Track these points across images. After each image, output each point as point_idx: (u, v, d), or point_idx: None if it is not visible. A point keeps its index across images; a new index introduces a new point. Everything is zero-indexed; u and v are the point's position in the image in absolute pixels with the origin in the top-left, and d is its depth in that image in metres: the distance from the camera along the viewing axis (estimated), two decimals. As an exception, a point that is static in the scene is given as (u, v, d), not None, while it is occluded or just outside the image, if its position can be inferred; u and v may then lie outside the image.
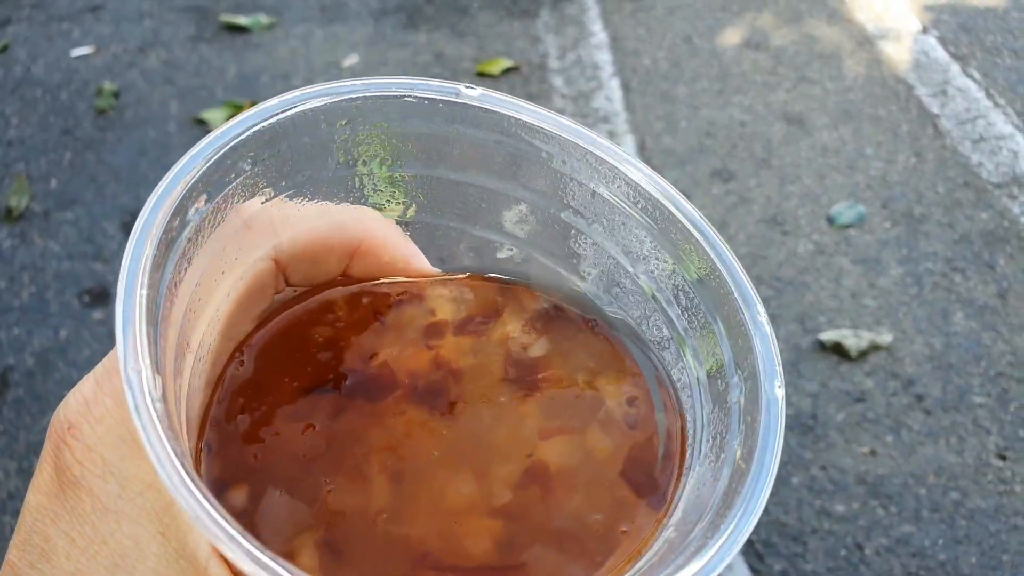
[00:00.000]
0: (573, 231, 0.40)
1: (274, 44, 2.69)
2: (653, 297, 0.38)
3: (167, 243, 0.29)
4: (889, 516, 1.61)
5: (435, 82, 0.37)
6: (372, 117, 0.36)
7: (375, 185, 0.39)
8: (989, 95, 2.49)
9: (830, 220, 2.15)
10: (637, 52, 2.72)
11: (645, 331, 0.39)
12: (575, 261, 0.40)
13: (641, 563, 0.31)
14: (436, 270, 0.40)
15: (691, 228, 0.35)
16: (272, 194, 0.35)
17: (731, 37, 2.76)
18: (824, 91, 2.52)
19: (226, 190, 0.33)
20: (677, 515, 0.32)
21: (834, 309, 1.94)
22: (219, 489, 0.32)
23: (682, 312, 0.37)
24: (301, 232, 0.36)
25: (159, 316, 0.28)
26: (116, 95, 2.46)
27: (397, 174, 0.39)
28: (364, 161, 0.38)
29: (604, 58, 2.69)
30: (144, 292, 0.27)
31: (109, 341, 1.88)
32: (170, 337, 0.30)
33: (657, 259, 0.37)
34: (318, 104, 0.35)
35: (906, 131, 2.39)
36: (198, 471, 0.32)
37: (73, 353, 1.86)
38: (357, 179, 0.38)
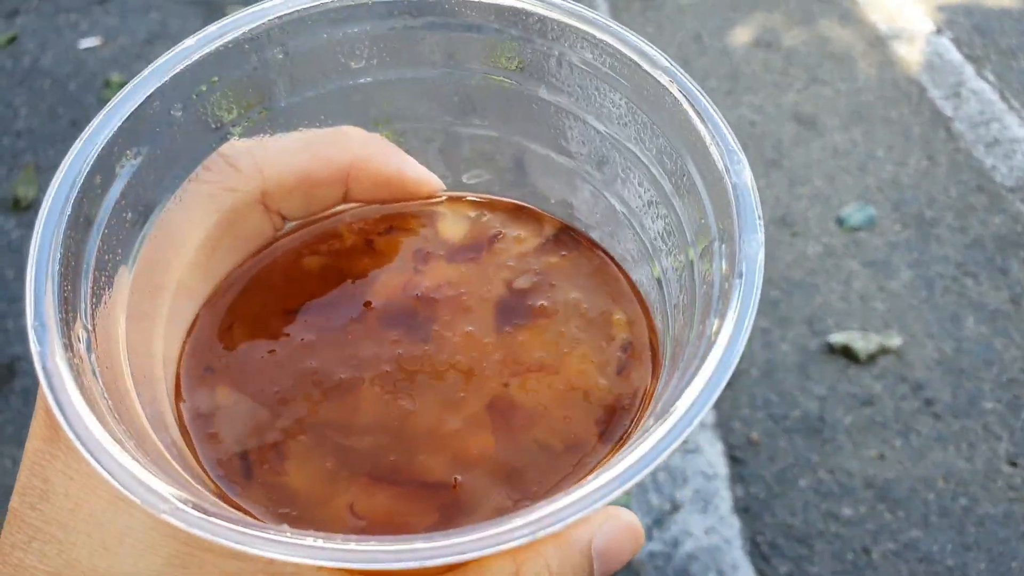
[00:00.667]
0: (553, 108, 0.38)
1: (283, 38, 2.69)
2: (639, 160, 0.36)
3: (90, 201, 0.30)
4: (897, 521, 1.60)
5: None
6: (308, 32, 0.35)
7: (338, 102, 0.37)
8: (1004, 98, 2.47)
9: (840, 222, 2.13)
10: (647, 50, 2.71)
11: (644, 219, 0.36)
12: (564, 142, 0.38)
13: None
14: (436, 181, 0.38)
15: (660, 75, 0.33)
16: (226, 133, 0.35)
17: (742, 36, 2.74)
18: (836, 92, 2.51)
19: (159, 140, 0.32)
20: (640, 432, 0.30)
21: (843, 311, 1.93)
22: (198, 389, 0.34)
23: (667, 175, 0.34)
24: (285, 169, 0.35)
25: (89, 268, 0.29)
26: (124, 87, 2.46)
27: (353, 88, 0.37)
28: (312, 81, 0.36)
29: (614, 56, 2.68)
30: (54, 259, 0.28)
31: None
32: (116, 282, 0.30)
33: (636, 119, 0.35)
34: (239, 34, 0.33)
35: (918, 133, 2.37)
36: (178, 376, 0.34)
37: (78, 345, 1.85)
38: (315, 100, 0.37)
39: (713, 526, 1.58)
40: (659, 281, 0.36)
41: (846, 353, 1.83)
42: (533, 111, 0.38)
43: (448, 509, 0.31)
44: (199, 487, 0.28)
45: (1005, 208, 2.16)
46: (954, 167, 2.27)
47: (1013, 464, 1.68)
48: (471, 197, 0.41)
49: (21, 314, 1.90)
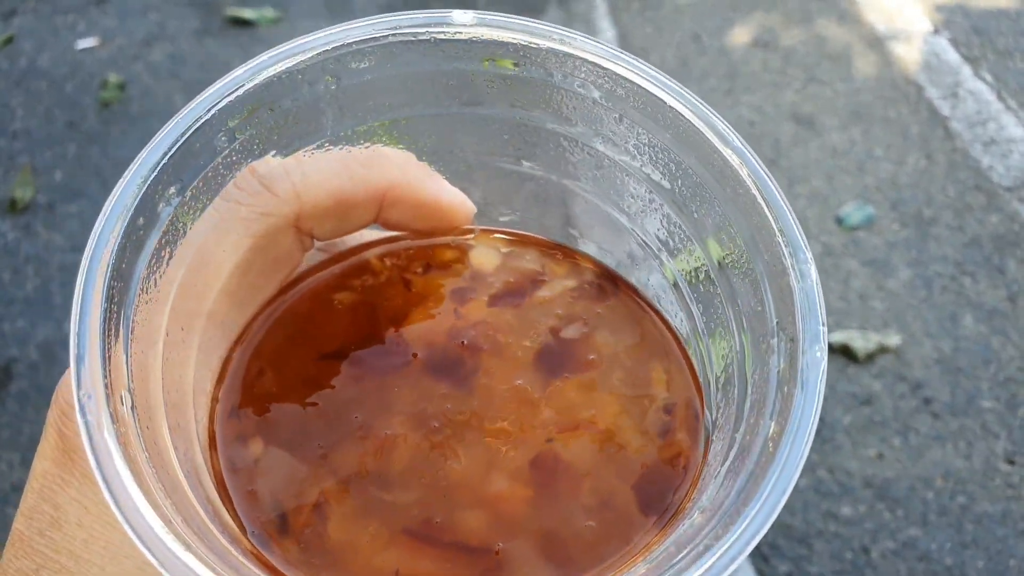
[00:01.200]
0: (607, 161, 0.36)
1: (279, 38, 2.68)
2: (692, 228, 0.34)
3: (132, 246, 0.29)
4: (896, 519, 1.60)
5: (420, 14, 0.34)
6: (357, 66, 0.34)
7: (375, 136, 0.36)
8: (1001, 98, 2.48)
9: (839, 221, 2.13)
10: (645, 50, 2.71)
11: (688, 280, 0.35)
12: (617, 198, 0.37)
13: (632, 572, 0.29)
14: (470, 205, 0.37)
15: (730, 154, 0.31)
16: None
17: (740, 36, 2.74)
18: (834, 92, 2.51)
19: (204, 172, 0.31)
20: (690, 518, 0.30)
21: (842, 311, 1.93)
22: (234, 443, 0.33)
23: (726, 257, 0.33)
24: (321, 191, 0.34)
25: (130, 323, 0.28)
26: (121, 88, 2.45)
27: (401, 119, 0.36)
28: (359, 114, 0.35)
29: (612, 56, 2.68)
30: (98, 316, 0.27)
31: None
32: (153, 330, 0.29)
33: (696, 192, 0.33)
34: (292, 64, 0.32)
35: (916, 133, 2.37)
36: (212, 428, 0.33)
37: (76, 346, 1.85)
38: (359, 132, 0.36)
39: (712, 526, 1.58)
40: (698, 341, 0.36)
41: (845, 352, 1.83)
42: (583, 158, 0.37)
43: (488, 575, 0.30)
44: (240, 557, 0.28)
45: (1002, 207, 2.16)
46: (952, 166, 2.27)
47: (1011, 462, 1.68)
48: (503, 233, 0.39)
49: (16, 317, 1.90)
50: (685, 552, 0.26)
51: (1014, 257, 2.04)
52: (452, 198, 0.36)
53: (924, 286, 1.98)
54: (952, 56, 2.62)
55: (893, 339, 1.85)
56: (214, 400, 0.33)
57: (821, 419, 1.75)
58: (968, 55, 2.62)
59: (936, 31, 2.72)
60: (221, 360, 0.34)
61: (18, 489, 1.65)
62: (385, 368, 0.35)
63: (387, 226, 0.37)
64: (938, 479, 1.65)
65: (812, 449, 1.70)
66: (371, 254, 0.38)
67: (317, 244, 0.37)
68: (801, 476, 1.66)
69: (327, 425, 0.33)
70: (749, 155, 0.31)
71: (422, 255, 0.38)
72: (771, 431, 0.27)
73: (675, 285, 0.37)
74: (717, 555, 0.25)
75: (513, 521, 0.31)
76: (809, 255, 0.30)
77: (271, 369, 0.35)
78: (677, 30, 2.79)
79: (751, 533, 0.25)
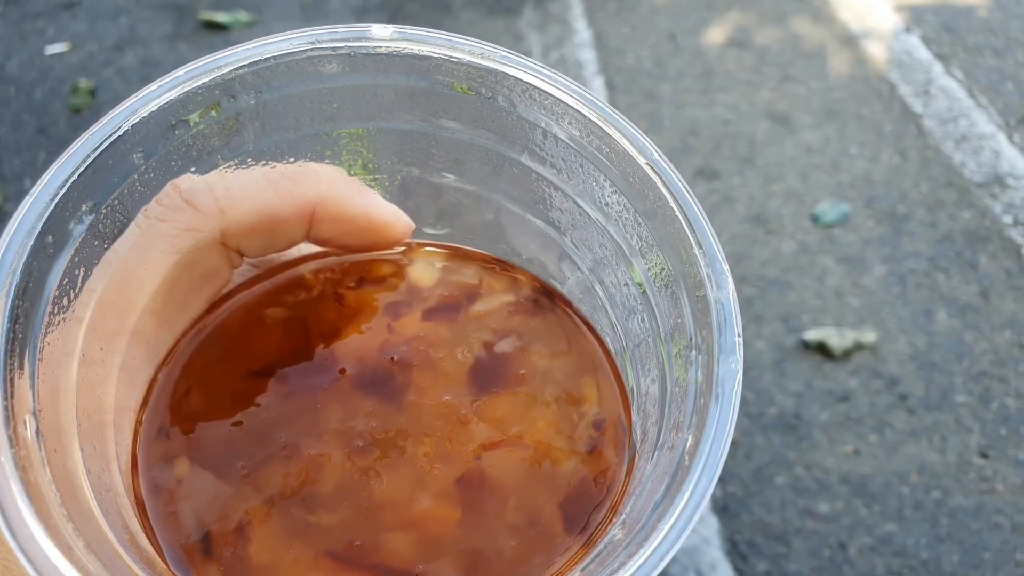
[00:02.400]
0: (534, 175, 0.36)
1: (255, 42, 2.66)
2: (616, 247, 0.34)
3: (39, 265, 0.28)
4: (872, 515, 1.61)
5: (340, 28, 0.33)
6: (277, 81, 0.33)
7: (309, 147, 0.35)
8: (971, 95, 2.50)
9: (814, 219, 2.14)
10: (621, 50, 2.71)
11: (615, 300, 0.35)
12: (543, 208, 0.37)
13: None
14: (406, 221, 0.36)
15: (647, 166, 0.32)
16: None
17: (715, 36, 2.75)
18: (808, 90, 2.52)
19: (119, 188, 0.30)
20: (612, 536, 0.30)
21: (818, 308, 1.94)
22: (157, 463, 0.32)
23: (648, 267, 0.33)
24: (245, 207, 0.33)
25: (37, 343, 0.27)
26: (92, 93, 2.43)
27: (323, 133, 0.35)
28: (282, 129, 0.35)
29: (588, 56, 2.68)
30: (2, 334, 0.26)
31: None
32: (66, 351, 0.28)
33: (620, 206, 0.33)
34: (207, 80, 0.31)
35: (889, 130, 2.39)
36: (135, 451, 0.32)
37: (48, 355, 1.83)
38: (282, 148, 0.35)
39: (691, 525, 1.58)
40: (630, 359, 0.35)
41: (821, 350, 1.84)
42: (514, 174, 0.36)
43: None
44: None
45: (973, 203, 2.18)
46: (924, 163, 2.29)
47: (984, 456, 1.69)
48: (441, 247, 0.39)
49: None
50: (604, 570, 0.26)
51: (986, 252, 2.06)
52: (386, 213, 0.35)
53: (898, 282, 1.99)
54: (923, 54, 2.64)
55: (869, 336, 1.87)
56: (138, 421, 0.33)
57: (797, 416, 1.76)
58: (939, 53, 2.65)
59: (907, 29, 2.74)
60: (147, 379, 0.33)
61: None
62: (313, 385, 0.34)
63: (319, 243, 0.36)
64: (913, 474, 1.66)
65: (789, 447, 1.71)
66: (305, 269, 0.37)
67: (249, 260, 0.36)
68: (779, 473, 1.67)
69: (253, 444, 0.32)
70: (668, 169, 0.31)
71: (357, 269, 0.37)
72: (688, 444, 0.27)
73: (603, 299, 0.36)
74: (631, 571, 0.25)
75: (438, 542, 0.31)
76: (726, 267, 0.30)
77: (198, 387, 0.34)
78: (653, 30, 2.80)
79: (665, 548, 0.25)
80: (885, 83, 2.54)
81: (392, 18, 2.82)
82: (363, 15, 2.83)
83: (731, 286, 0.29)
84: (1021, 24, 2.75)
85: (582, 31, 2.79)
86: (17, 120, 2.34)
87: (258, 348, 0.35)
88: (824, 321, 1.91)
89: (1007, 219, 2.14)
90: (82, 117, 2.36)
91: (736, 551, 1.56)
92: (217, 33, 2.68)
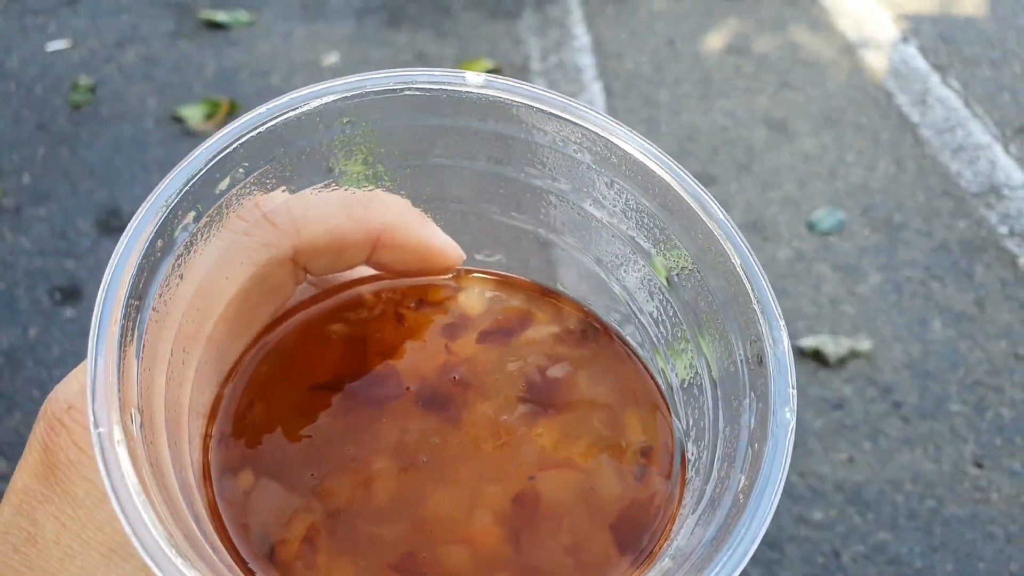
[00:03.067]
0: (594, 223, 0.38)
1: (253, 41, 2.67)
2: (669, 293, 0.36)
3: (150, 267, 0.30)
4: (866, 523, 1.62)
5: (437, 71, 0.36)
6: (371, 114, 0.35)
7: (381, 180, 0.38)
8: (968, 105, 2.51)
9: (810, 226, 2.15)
10: (620, 56, 2.72)
11: (666, 336, 0.37)
12: (601, 255, 0.39)
13: None
14: (458, 251, 0.39)
15: (714, 226, 0.34)
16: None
17: (714, 42, 2.76)
18: (806, 98, 2.53)
19: (219, 201, 0.33)
20: (661, 563, 0.31)
21: (813, 315, 1.94)
22: (226, 473, 0.33)
23: (698, 317, 0.35)
24: (319, 228, 0.35)
25: (142, 340, 0.29)
26: (92, 90, 2.42)
27: (406, 168, 0.38)
28: (365, 160, 0.37)
29: (587, 61, 2.69)
30: (116, 330, 0.27)
31: (79, 339, 1.85)
32: (160, 351, 0.30)
33: (677, 253, 0.36)
34: (313, 106, 0.34)
35: (886, 139, 2.40)
36: (206, 458, 0.34)
37: (42, 351, 1.82)
38: (361, 175, 0.37)
39: (685, 530, 1.59)
40: (672, 393, 0.37)
41: (816, 357, 1.85)
42: (572, 217, 0.39)
43: None
44: None
45: (969, 213, 2.19)
46: (921, 172, 2.30)
47: (979, 465, 1.70)
48: (491, 275, 0.41)
49: (-15, 321, 1.87)
50: None
51: (981, 262, 2.07)
52: (443, 243, 0.38)
53: (894, 291, 2.00)
54: (920, 64, 2.66)
55: (864, 343, 1.87)
56: (208, 427, 0.34)
57: (792, 423, 1.78)
58: (936, 63, 2.66)
59: (905, 39, 2.76)
60: (215, 386, 0.35)
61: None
62: (376, 400, 0.35)
63: (377, 267, 0.39)
64: (908, 483, 1.67)
65: (784, 453, 1.71)
66: (364, 289, 0.39)
67: (308, 279, 0.38)
68: (773, 480, 1.67)
69: (317, 457, 0.34)
70: (730, 227, 0.34)
71: (415, 292, 0.39)
72: (741, 484, 0.29)
73: (650, 338, 0.38)
74: None
75: (494, 558, 0.32)
76: (782, 323, 0.32)
77: (261, 400, 0.35)
78: (652, 36, 2.80)
79: None
80: (882, 92, 2.55)
81: (392, 19, 2.82)
82: (364, 16, 2.83)
83: (787, 342, 0.31)
84: (1018, 36, 2.77)
85: (581, 36, 2.79)
86: (17, 116, 2.33)
87: (320, 363, 0.37)
88: (819, 328, 1.91)
89: (1003, 229, 2.15)
90: (82, 114, 2.36)
91: (730, 557, 1.57)
92: (217, 32, 2.68)
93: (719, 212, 0.34)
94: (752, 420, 0.31)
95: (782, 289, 1.99)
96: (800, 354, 1.86)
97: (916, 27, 2.80)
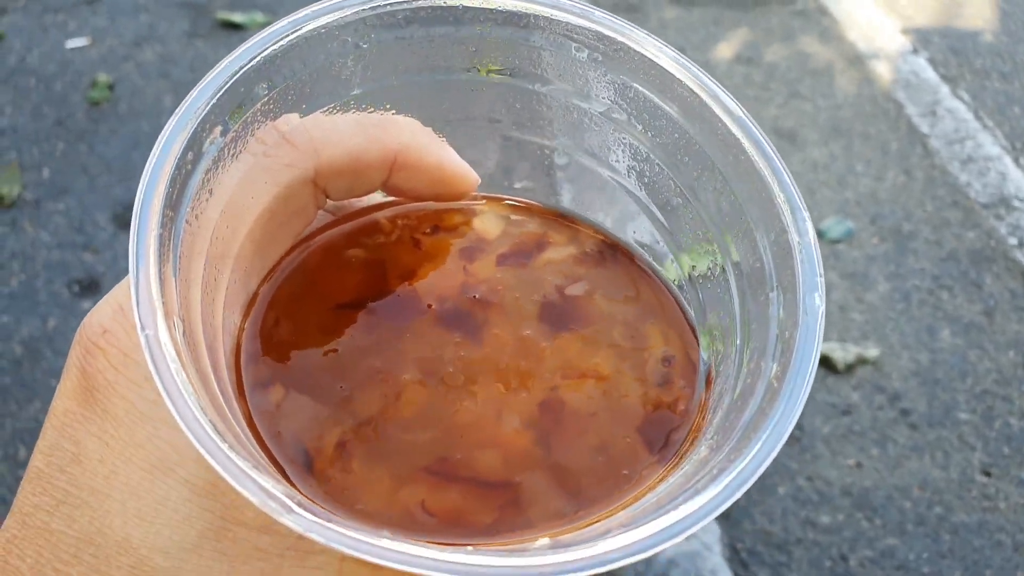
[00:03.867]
0: (612, 127, 0.38)
1: (270, 42, 2.68)
2: (690, 195, 0.36)
3: (182, 179, 0.30)
4: (874, 528, 1.63)
5: None
6: (385, 29, 0.35)
7: (395, 97, 0.38)
8: (978, 116, 2.53)
9: (819, 234, 2.17)
10: (632, 63, 2.73)
11: (688, 237, 0.37)
12: (618, 160, 0.39)
13: (643, 501, 0.31)
14: (473, 176, 0.38)
15: (730, 123, 0.34)
16: (302, 113, 0.35)
17: (724, 51, 2.78)
18: (815, 107, 2.55)
19: (244, 117, 0.33)
20: (696, 454, 0.32)
21: (823, 322, 1.96)
22: (258, 388, 0.34)
23: (720, 214, 0.35)
24: (338, 149, 0.35)
25: (178, 251, 0.29)
26: (111, 87, 2.44)
27: (418, 83, 0.38)
28: (386, 74, 0.37)
29: (600, 68, 2.70)
30: (154, 238, 0.27)
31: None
32: (194, 266, 0.30)
33: (696, 162, 0.36)
34: (328, 20, 0.34)
35: (896, 149, 2.42)
36: (239, 374, 0.34)
37: (61, 342, 1.84)
38: (382, 92, 0.37)
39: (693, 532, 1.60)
40: (695, 292, 0.38)
41: (825, 363, 1.86)
42: (592, 127, 0.39)
43: (507, 508, 0.32)
44: (291, 487, 0.29)
45: (979, 223, 2.21)
46: (930, 183, 2.32)
47: (987, 474, 1.71)
48: (508, 200, 0.41)
49: (2, 312, 1.88)
50: (696, 479, 0.27)
51: (990, 272, 2.08)
52: (458, 167, 0.38)
53: (902, 299, 2.02)
54: (930, 75, 2.67)
55: (872, 351, 1.89)
56: (238, 345, 0.35)
57: (800, 428, 1.78)
58: (946, 74, 2.68)
59: (915, 51, 2.77)
60: (243, 306, 0.35)
61: (0, 484, 1.64)
62: (400, 317, 0.36)
63: (393, 192, 0.38)
64: (915, 489, 1.68)
65: (791, 458, 1.72)
66: (381, 215, 0.40)
67: (328, 206, 0.38)
68: (780, 484, 1.68)
69: (346, 370, 0.34)
70: (752, 126, 0.34)
71: (430, 218, 0.40)
72: (774, 372, 0.29)
73: (672, 247, 0.39)
74: (731, 476, 0.26)
75: (526, 459, 0.33)
76: (807, 214, 0.32)
77: (286, 318, 0.36)
78: (663, 44, 2.82)
79: (761, 457, 0.26)
80: (892, 103, 2.57)
81: (407, 23, 2.84)
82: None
83: (812, 232, 0.32)
84: (1027, 50, 2.79)
85: (594, 42, 2.81)
86: (37, 111, 2.35)
87: (342, 284, 0.37)
88: (828, 335, 1.93)
89: (1012, 240, 2.17)
90: (100, 110, 2.37)
91: (737, 558, 1.58)
92: (233, 32, 2.70)
93: (739, 110, 0.34)
94: (780, 311, 0.31)
95: (792, 296, 2.01)
96: (809, 360, 1.87)
97: (926, 38, 2.82)
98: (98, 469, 0.29)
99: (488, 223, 0.40)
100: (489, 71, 0.38)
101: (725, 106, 0.34)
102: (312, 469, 0.32)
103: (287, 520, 0.24)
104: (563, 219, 0.41)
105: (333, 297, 0.37)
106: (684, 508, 0.26)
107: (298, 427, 0.33)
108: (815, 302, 0.30)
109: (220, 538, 0.29)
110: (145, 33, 2.64)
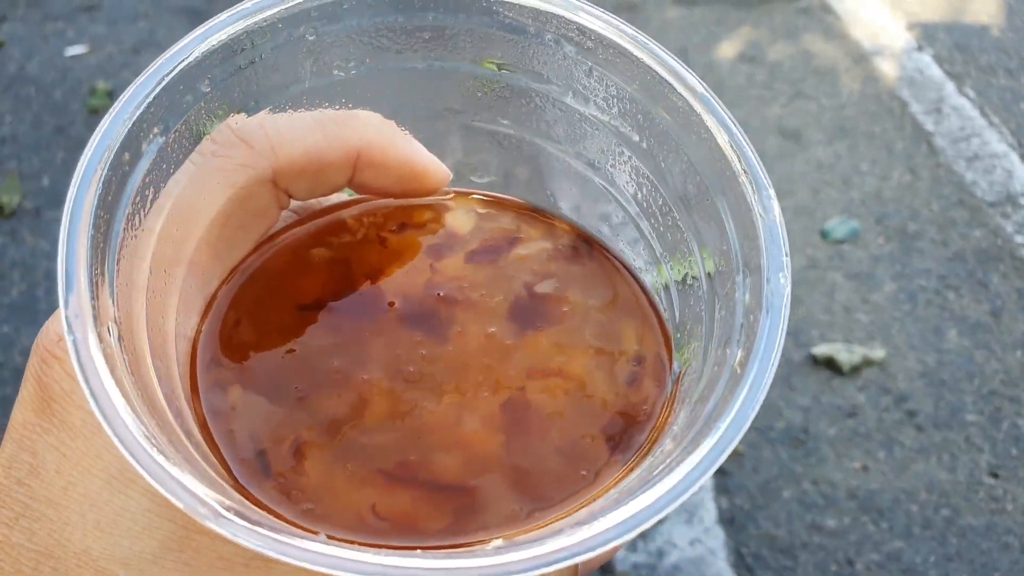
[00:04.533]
0: (576, 115, 0.37)
1: (271, 47, 2.69)
2: (658, 180, 0.35)
3: (117, 179, 0.29)
4: (880, 532, 1.61)
5: None
6: (342, 16, 0.34)
7: (355, 90, 0.36)
8: (984, 114, 2.51)
9: (824, 235, 2.15)
10: (634, 64, 2.73)
11: (657, 229, 0.36)
12: (584, 148, 0.38)
13: (602, 500, 0.30)
14: (444, 171, 0.37)
15: (695, 102, 0.32)
16: (251, 110, 0.34)
17: (727, 50, 2.77)
18: (819, 106, 2.53)
19: (186, 115, 0.31)
20: (661, 448, 0.31)
21: (827, 323, 1.94)
22: (213, 389, 0.33)
23: (687, 202, 0.34)
24: (296, 148, 0.34)
25: (115, 255, 0.28)
26: (110, 95, 2.45)
27: (380, 73, 0.36)
28: (339, 66, 0.36)
29: (601, 69, 2.70)
30: (86, 240, 0.27)
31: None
32: (136, 269, 0.30)
33: (660, 143, 0.34)
34: (273, 12, 0.33)
35: (901, 148, 2.40)
36: (193, 376, 0.33)
37: (61, 353, 1.84)
38: (334, 86, 0.36)
39: (697, 537, 1.59)
40: (668, 292, 0.37)
41: (830, 365, 1.85)
42: (555, 115, 0.38)
43: (461, 512, 0.31)
44: (228, 488, 0.28)
45: (985, 222, 2.19)
46: (936, 182, 2.30)
47: (994, 475, 1.69)
48: (479, 195, 0.40)
49: (2, 322, 1.89)
50: (656, 472, 0.26)
51: (997, 272, 2.07)
52: (427, 161, 0.36)
53: (908, 300, 2.00)
54: (935, 72, 2.65)
55: (877, 352, 1.87)
56: (194, 348, 0.34)
57: (805, 430, 1.76)
58: (951, 72, 2.66)
59: (919, 48, 2.75)
60: (200, 310, 0.35)
61: None
62: (362, 317, 0.35)
63: (360, 189, 0.37)
64: (922, 492, 1.66)
65: (796, 461, 1.71)
66: (346, 214, 0.39)
67: (293, 206, 0.38)
68: (785, 488, 1.67)
69: (304, 371, 0.34)
70: (712, 99, 0.32)
71: (398, 215, 0.39)
72: (738, 357, 0.28)
73: (643, 235, 0.38)
74: (688, 467, 0.25)
75: (485, 460, 0.32)
76: (772, 192, 0.31)
77: (247, 319, 0.35)
78: (665, 44, 2.80)
79: (722, 447, 0.25)
80: (897, 101, 2.55)
81: (407, 27, 2.84)
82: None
83: (777, 209, 0.30)
84: (1033, 45, 2.77)
85: (596, 43, 2.80)
86: (37, 119, 2.36)
87: (305, 285, 0.36)
88: (833, 336, 1.91)
89: (1019, 239, 2.15)
90: (100, 118, 2.38)
91: (743, 563, 1.57)
92: (234, 38, 2.70)
93: (699, 86, 0.33)
94: (747, 295, 0.30)
95: (795, 297, 2.00)
96: (813, 361, 1.85)
97: (931, 35, 2.80)
98: (55, 481, 0.29)
99: (459, 219, 0.39)
100: (442, 59, 0.37)
101: (685, 82, 0.33)
102: (268, 471, 0.31)
103: (213, 525, 0.23)
104: (537, 213, 0.40)
105: (296, 298, 0.36)
106: (638, 502, 0.25)
107: (253, 428, 0.32)
108: (779, 281, 0.29)
109: (182, 548, 0.28)
110: (144, 40, 2.64)
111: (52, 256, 2.03)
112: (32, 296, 1.95)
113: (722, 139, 0.32)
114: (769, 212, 0.30)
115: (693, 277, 0.35)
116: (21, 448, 0.30)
